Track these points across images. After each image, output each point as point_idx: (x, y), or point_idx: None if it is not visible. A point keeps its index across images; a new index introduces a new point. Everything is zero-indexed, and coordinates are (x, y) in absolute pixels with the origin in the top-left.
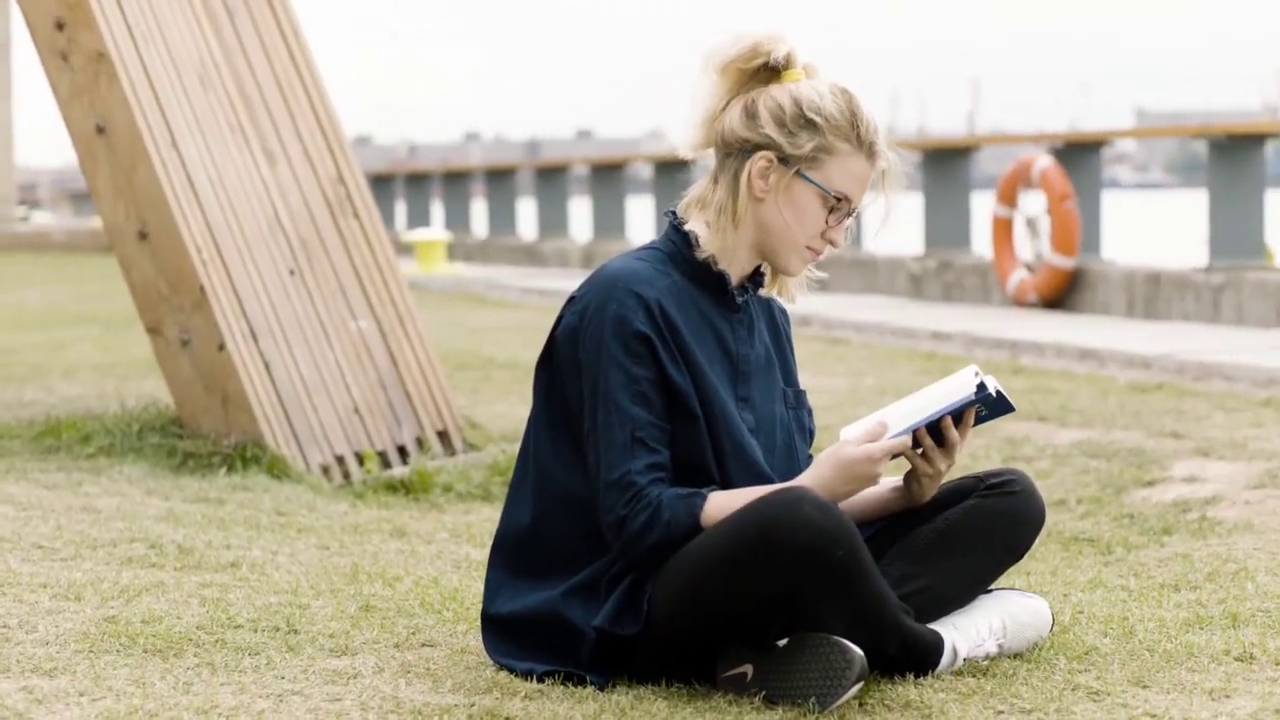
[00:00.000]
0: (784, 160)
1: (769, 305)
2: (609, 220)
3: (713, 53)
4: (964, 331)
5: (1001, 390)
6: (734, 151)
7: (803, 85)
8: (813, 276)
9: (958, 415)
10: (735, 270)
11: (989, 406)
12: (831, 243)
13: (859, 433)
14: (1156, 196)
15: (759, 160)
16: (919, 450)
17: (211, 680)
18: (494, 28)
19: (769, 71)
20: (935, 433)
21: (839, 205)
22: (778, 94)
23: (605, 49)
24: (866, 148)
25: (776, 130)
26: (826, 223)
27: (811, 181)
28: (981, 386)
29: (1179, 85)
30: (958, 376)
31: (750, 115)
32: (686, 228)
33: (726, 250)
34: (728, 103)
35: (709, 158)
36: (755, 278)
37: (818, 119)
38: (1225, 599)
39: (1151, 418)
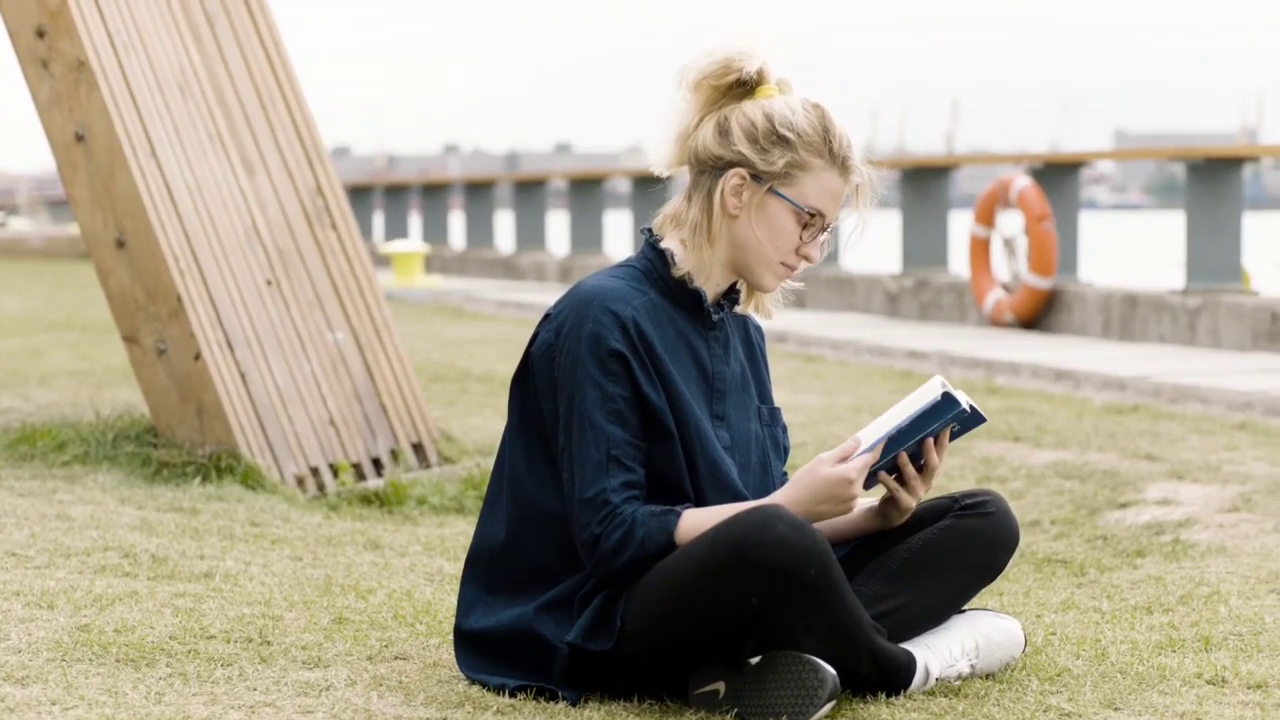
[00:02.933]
0: (757, 177)
1: (744, 322)
2: (587, 234)
3: (685, 69)
4: (940, 351)
5: (973, 404)
6: (707, 169)
7: (775, 101)
8: (788, 287)
9: (934, 437)
10: (711, 287)
11: (961, 421)
12: (806, 258)
13: (833, 454)
14: (1134, 218)
15: (732, 178)
16: (895, 475)
17: (184, 690)
18: (475, 40)
19: (742, 87)
20: (914, 458)
21: (813, 221)
22: (750, 110)
23: (585, 63)
24: (840, 163)
25: (749, 147)
26: (801, 239)
27: (785, 198)
28: (949, 396)
29: (1158, 107)
30: (924, 387)
31: (723, 132)
32: (662, 245)
33: (702, 267)
34: (701, 119)
35: (684, 175)
36: (731, 294)
37: (790, 135)
38: (1198, 622)
39: (1126, 439)
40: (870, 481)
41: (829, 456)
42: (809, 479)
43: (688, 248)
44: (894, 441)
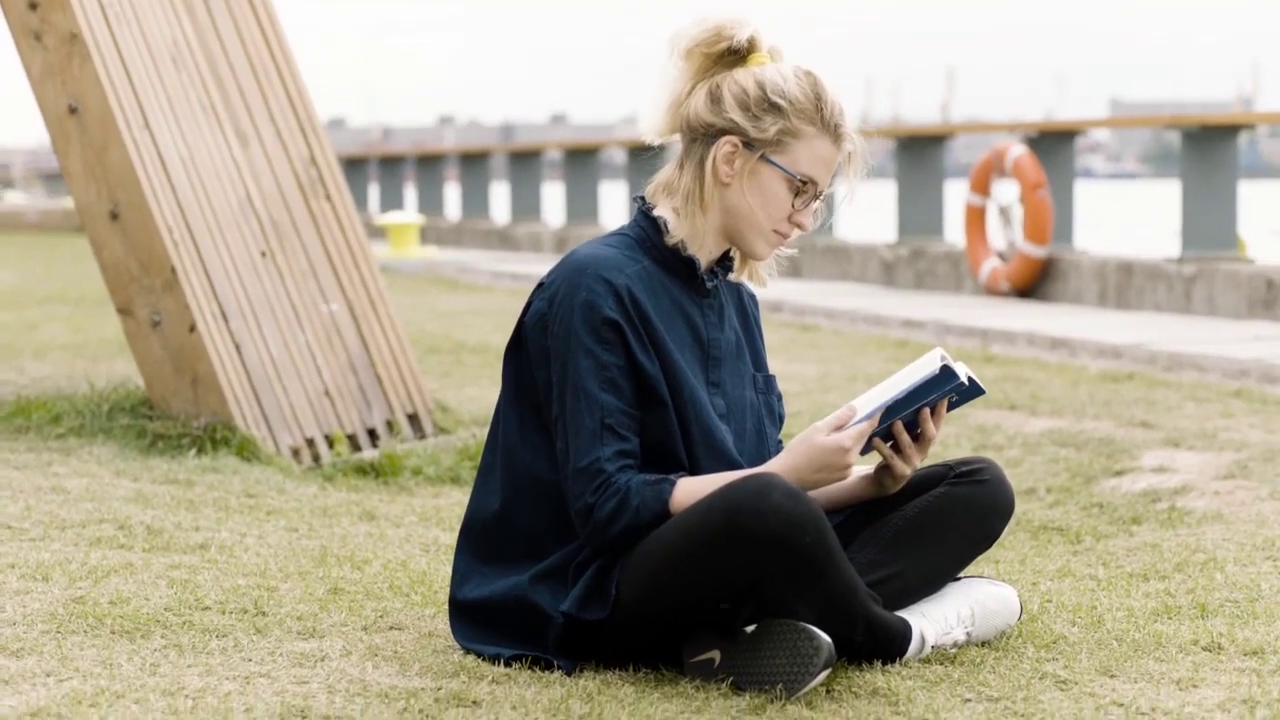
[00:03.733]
0: (748, 144)
1: (738, 290)
2: (582, 205)
3: (677, 37)
4: (936, 320)
5: (972, 376)
6: (699, 136)
7: (767, 69)
8: (781, 254)
9: (931, 407)
10: (704, 255)
11: (959, 393)
12: (799, 226)
13: (828, 422)
14: (1130, 186)
15: (724, 145)
16: (891, 444)
17: (179, 662)
18: (470, 11)
19: (734, 56)
20: (911, 427)
21: (804, 188)
22: (742, 78)
23: (581, 34)
24: (831, 130)
25: (741, 114)
26: (793, 206)
27: (776, 165)
28: (948, 369)
29: (1154, 76)
30: (923, 358)
31: (714, 100)
32: (655, 213)
33: (695, 235)
34: (693, 87)
35: (677, 143)
36: (724, 262)
37: (782, 102)
38: (1194, 589)
39: (1122, 407)
40: (866, 448)
41: (824, 425)
42: (804, 447)
43: (680, 215)
44: (891, 410)
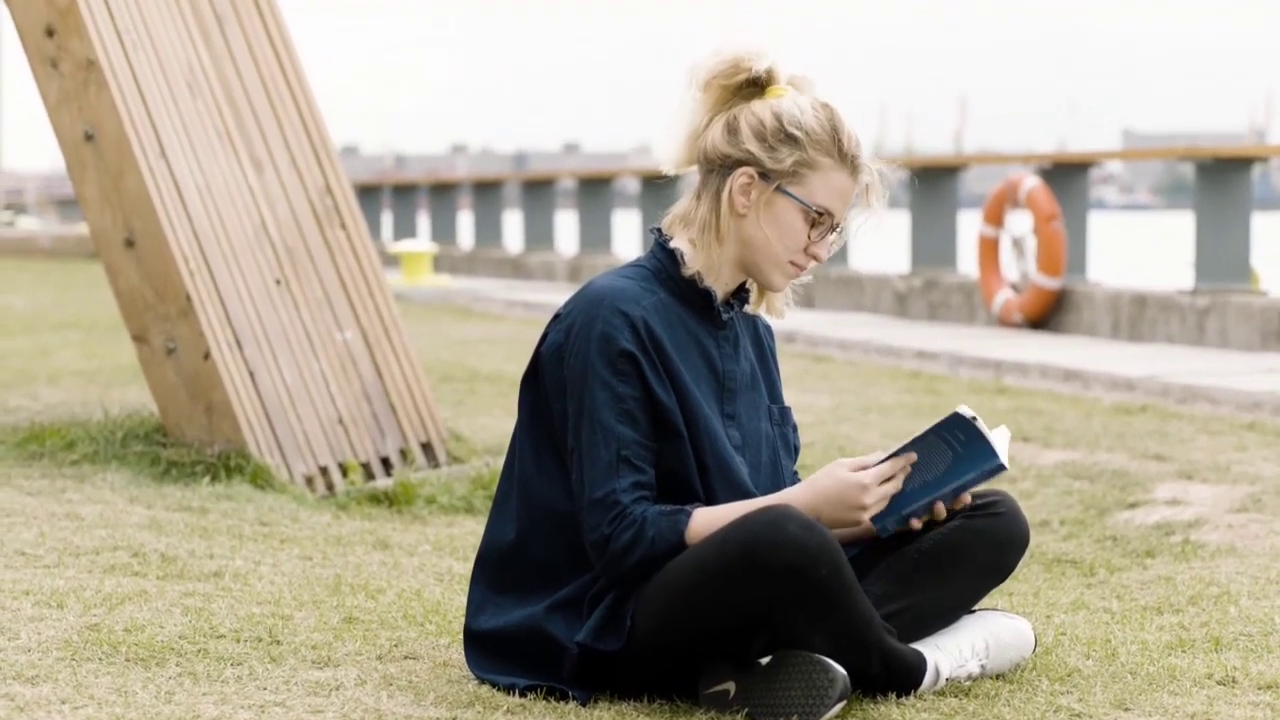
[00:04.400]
0: (765, 176)
1: (753, 321)
2: (595, 234)
3: (695, 69)
4: (949, 351)
5: (1000, 458)
6: (716, 168)
7: (785, 100)
8: (796, 283)
9: (969, 487)
10: (720, 287)
11: (983, 472)
12: (815, 258)
13: (852, 461)
14: (1143, 218)
15: (740, 176)
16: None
17: (193, 690)
18: (483, 40)
19: (752, 87)
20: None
21: (821, 220)
22: (759, 109)
23: (594, 63)
24: (849, 162)
25: (757, 145)
26: (809, 238)
27: (793, 197)
28: (992, 452)
29: (1167, 107)
30: (979, 447)
31: (731, 131)
32: (672, 245)
33: (711, 267)
34: (710, 119)
35: (694, 174)
36: (740, 294)
37: (799, 133)
38: (1208, 622)
39: (1135, 440)
40: (904, 521)
41: (847, 462)
42: (824, 480)
43: (697, 247)
44: (928, 487)
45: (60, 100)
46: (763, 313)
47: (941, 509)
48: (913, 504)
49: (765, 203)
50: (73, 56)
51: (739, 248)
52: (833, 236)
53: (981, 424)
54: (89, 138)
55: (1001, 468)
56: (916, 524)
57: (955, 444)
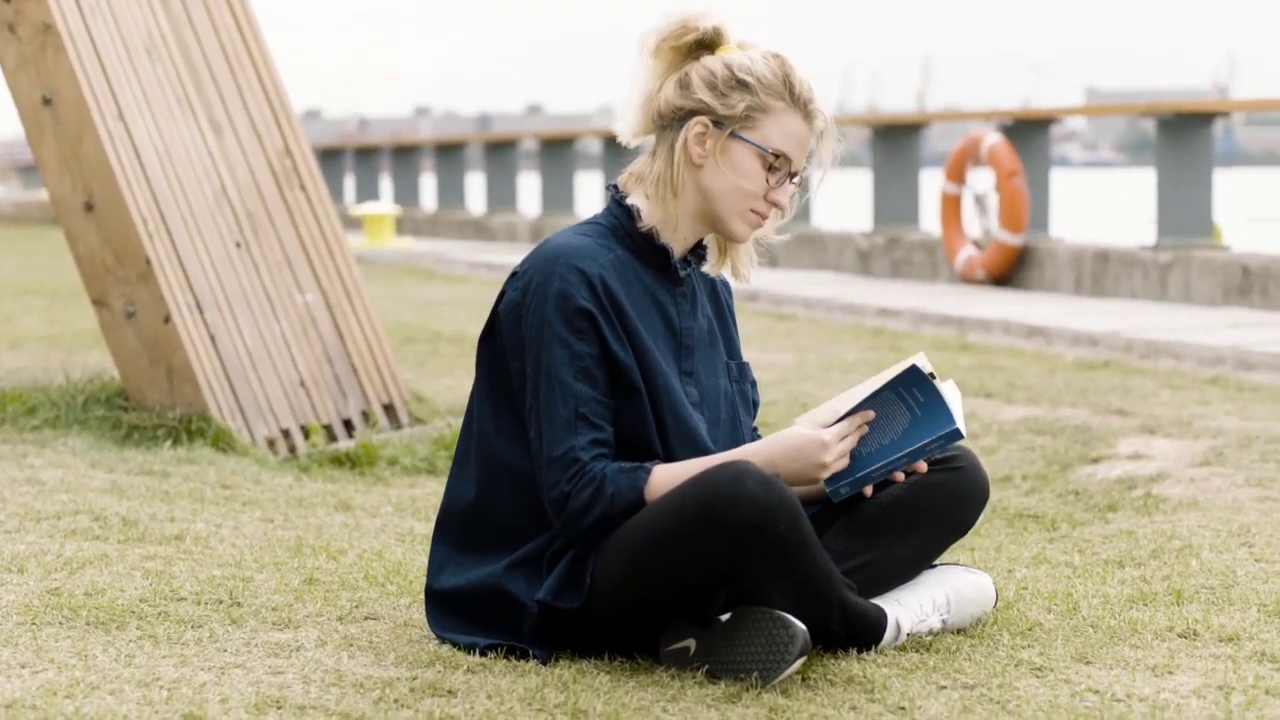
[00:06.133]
0: (718, 123)
1: (711, 279)
2: (558, 195)
3: (645, 35)
4: (912, 308)
5: (957, 422)
6: (669, 123)
7: (734, 53)
8: (767, 242)
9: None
10: (678, 243)
11: (939, 438)
12: (775, 204)
13: (811, 418)
14: (1106, 175)
15: (694, 126)
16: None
17: (154, 652)
18: (447, 2)
19: (701, 48)
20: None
21: (778, 164)
22: (709, 62)
23: (557, 24)
24: (802, 106)
25: (709, 94)
26: (768, 183)
27: (748, 141)
28: (922, 374)
29: (1129, 64)
30: (903, 362)
31: (683, 85)
32: (628, 201)
33: (668, 221)
34: (663, 84)
35: (651, 143)
36: (698, 250)
37: (749, 78)
38: (1169, 575)
39: (1098, 395)
40: (858, 485)
41: (807, 418)
42: (783, 437)
43: (653, 202)
44: (884, 450)
45: (18, 65)
46: (726, 274)
47: (900, 476)
48: (868, 468)
49: (721, 150)
50: (30, 21)
51: (697, 199)
52: (792, 186)
53: (940, 383)
54: (47, 102)
55: (958, 434)
56: (869, 491)
57: (913, 404)
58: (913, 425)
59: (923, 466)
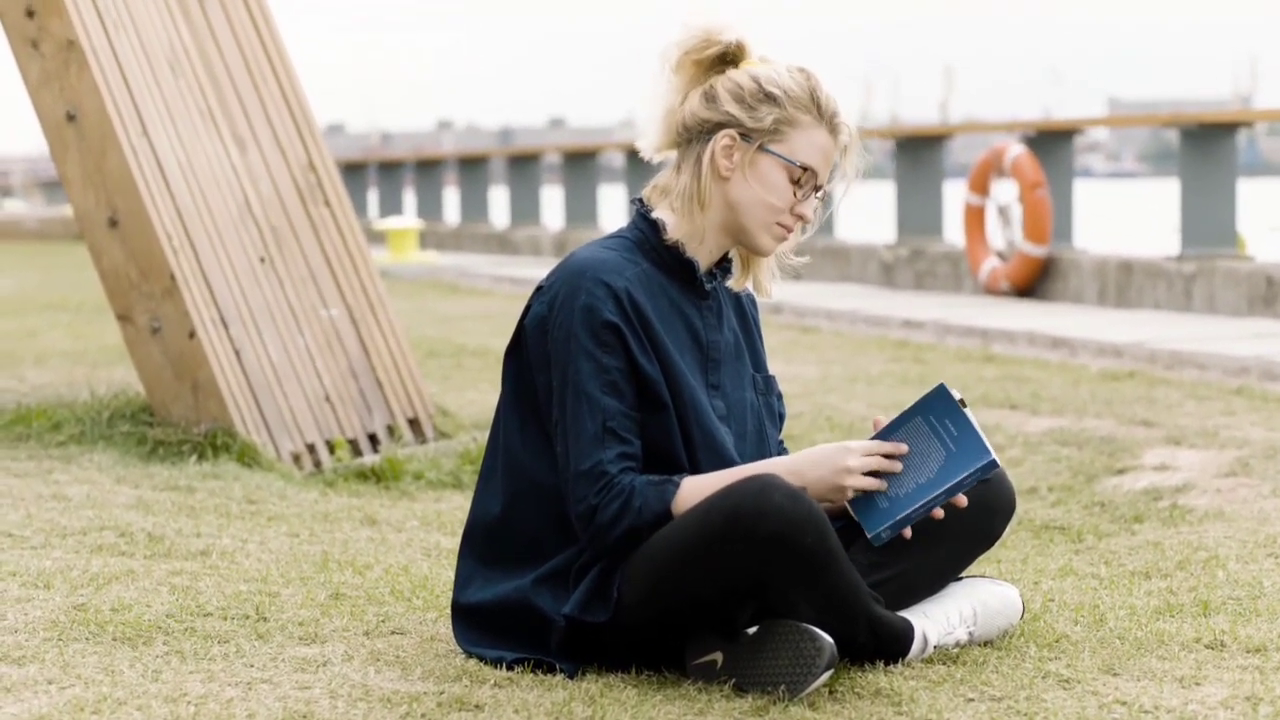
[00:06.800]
0: (746, 136)
1: (737, 292)
2: (581, 208)
3: (666, 49)
4: (936, 320)
5: (991, 454)
6: (695, 135)
7: (759, 66)
8: (791, 262)
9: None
10: (704, 256)
11: (976, 470)
12: (801, 218)
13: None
14: (1129, 185)
15: (721, 139)
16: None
17: (180, 668)
18: (468, 14)
19: (724, 63)
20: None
21: (805, 177)
22: (735, 75)
23: (579, 37)
24: (828, 120)
25: (737, 107)
26: (795, 196)
27: (776, 154)
28: (985, 450)
29: (1152, 74)
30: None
31: (709, 98)
32: (653, 215)
33: (694, 235)
34: (686, 97)
35: (674, 157)
36: (723, 264)
37: (777, 91)
38: (1196, 587)
39: (1123, 406)
40: (898, 527)
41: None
42: (810, 450)
43: (679, 215)
44: (921, 489)
45: (41, 81)
46: (750, 289)
47: (939, 513)
48: (908, 508)
49: (749, 163)
50: (53, 37)
51: (724, 212)
52: (817, 200)
53: (969, 413)
54: (71, 118)
55: (994, 465)
56: (908, 533)
57: (946, 438)
58: (948, 460)
59: (962, 501)
